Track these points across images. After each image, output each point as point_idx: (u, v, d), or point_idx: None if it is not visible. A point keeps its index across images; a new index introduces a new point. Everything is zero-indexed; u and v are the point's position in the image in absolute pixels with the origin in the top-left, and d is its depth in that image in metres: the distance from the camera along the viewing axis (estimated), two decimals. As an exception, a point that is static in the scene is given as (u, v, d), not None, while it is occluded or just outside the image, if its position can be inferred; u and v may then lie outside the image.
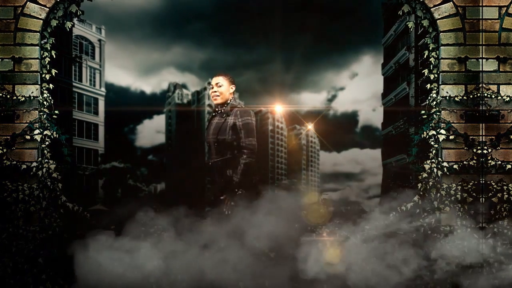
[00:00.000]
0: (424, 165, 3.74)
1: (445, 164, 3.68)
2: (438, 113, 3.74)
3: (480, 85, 3.71)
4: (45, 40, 3.78)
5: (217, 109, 3.50)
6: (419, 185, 3.74)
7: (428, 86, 3.80)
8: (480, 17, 3.73)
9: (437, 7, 3.76)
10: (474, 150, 3.67)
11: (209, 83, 3.62)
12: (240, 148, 3.32)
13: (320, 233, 3.77)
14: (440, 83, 3.76)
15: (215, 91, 3.48)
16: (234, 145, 3.35)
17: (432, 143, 3.75)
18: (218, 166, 3.39)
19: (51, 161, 3.69)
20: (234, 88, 3.51)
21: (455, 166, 3.67)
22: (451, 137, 3.70)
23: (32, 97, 3.69)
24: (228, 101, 3.48)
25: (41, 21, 3.73)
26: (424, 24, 3.81)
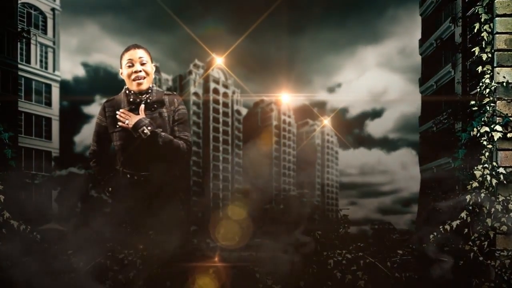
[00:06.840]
0: (475, 172, 3.73)
1: (501, 170, 3.68)
2: (492, 104, 3.74)
3: (547, 68, 3.71)
4: (-17, 9, 3.77)
5: (141, 96, 3.26)
6: (468, 197, 3.73)
7: (480, 69, 3.80)
8: (547, -21, 3.73)
9: (491, -34, 3.76)
10: (539, 152, 3.67)
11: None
12: None
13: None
14: (495, 65, 3.76)
15: (139, 71, 3.21)
16: None
17: (485, 142, 3.74)
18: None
19: (-10, 166, 3.69)
20: (155, 67, 3.36)
21: (515, 173, 3.67)
22: (509, 135, 3.70)
23: (-35, 83, 3.69)
24: (152, 86, 3.32)
25: (-23, -16, 3.73)
26: (474, -11, 3.82)
